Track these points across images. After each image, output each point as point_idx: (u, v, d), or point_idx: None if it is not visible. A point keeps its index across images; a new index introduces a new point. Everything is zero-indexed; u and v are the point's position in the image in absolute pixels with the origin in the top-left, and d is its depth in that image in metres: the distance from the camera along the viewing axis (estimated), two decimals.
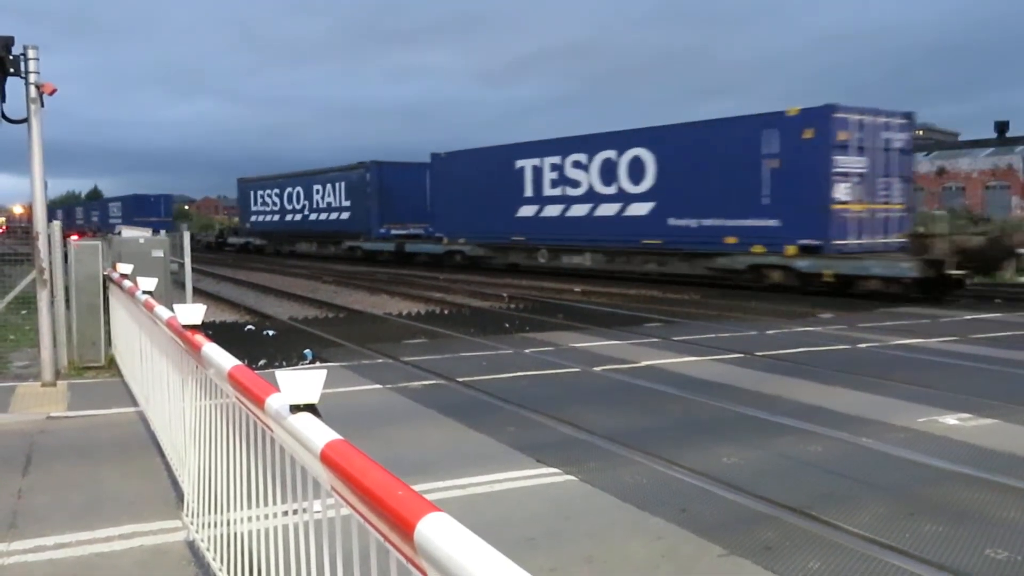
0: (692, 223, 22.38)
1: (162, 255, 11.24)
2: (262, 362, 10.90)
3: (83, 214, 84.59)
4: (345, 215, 39.14)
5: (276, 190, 46.13)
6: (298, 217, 43.99)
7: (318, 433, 2.36)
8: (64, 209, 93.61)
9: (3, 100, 9.44)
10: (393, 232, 35.99)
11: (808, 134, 19.60)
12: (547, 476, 6.12)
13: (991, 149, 46.54)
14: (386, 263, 34.42)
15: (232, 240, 53.35)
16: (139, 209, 63.46)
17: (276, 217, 46.39)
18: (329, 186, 40.55)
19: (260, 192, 48.02)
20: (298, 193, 43.84)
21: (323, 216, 41.26)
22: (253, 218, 49.15)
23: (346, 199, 39.03)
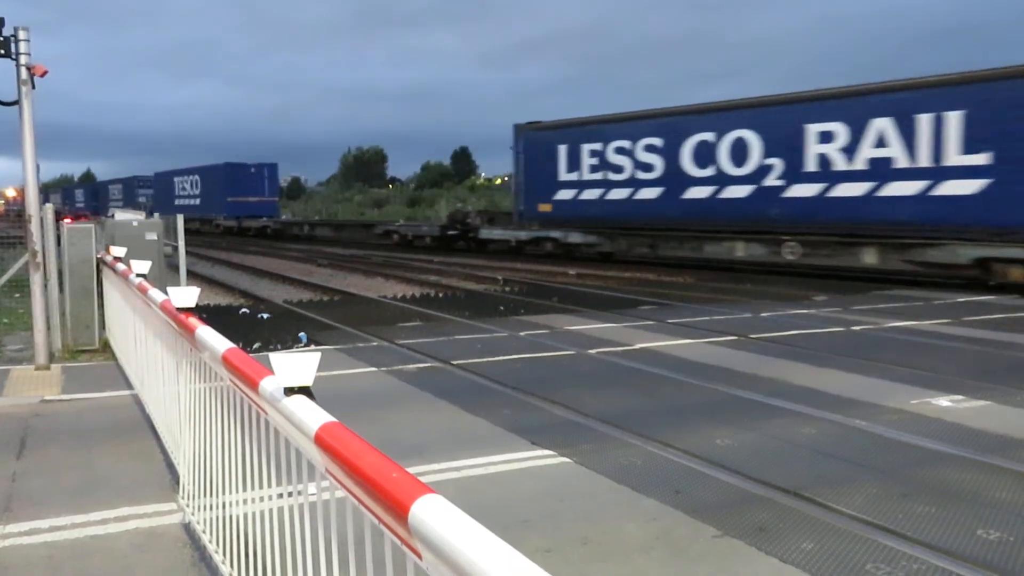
0: None
1: (156, 238, 11.21)
2: (257, 345, 10.89)
3: (122, 193, 63.27)
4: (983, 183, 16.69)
5: (653, 139, 23.08)
6: (741, 192, 20.87)
7: (312, 416, 2.36)
8: (86, 188, 77.19)
9: None
10: None
11: None
12: (542, 458, 6.13)
13: None
14: None
15: (492, 234, 29.90)
16: (231, 184, 45.85)
17: (648, 193, 23.27)
18: (925, 120, 17.40)
19: (589, 146, 25.05)
20: (738, 143, 20.81)
21: (871, 187, 18.37)
22: (562, 195, 25.99)
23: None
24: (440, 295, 17.26)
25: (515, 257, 27.24)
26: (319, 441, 2.24)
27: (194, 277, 18.73)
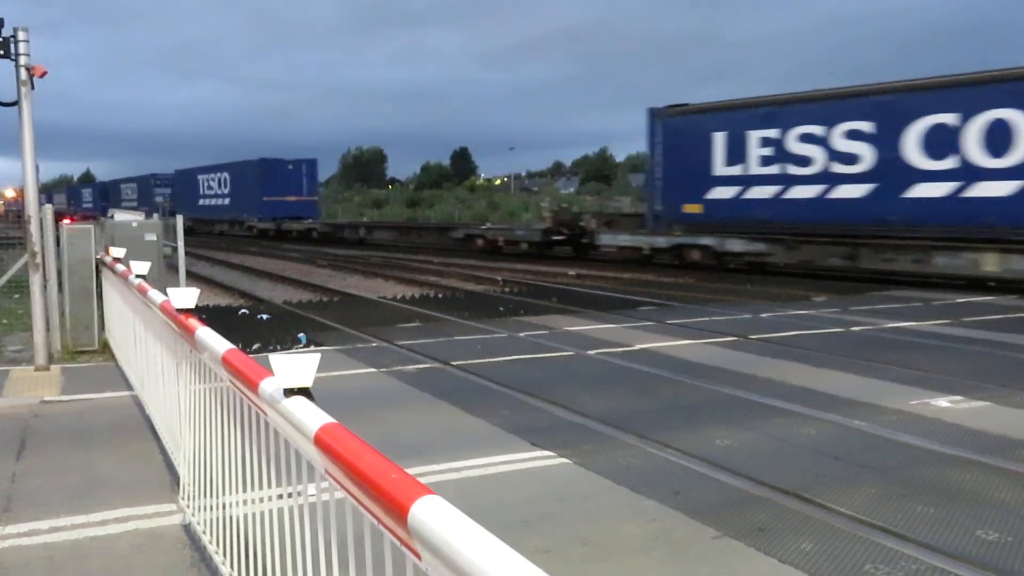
0: None
1: (155, 239, 11.21)
2: (256, 346, 10.89)
3: (137, 192, 58.57)
4: None
5: (859, 123, 18.31)
6: (1000, 190, 16.18)
7: (312, 417, 2.36)
8: (95, 188, 72.67)
9: None
10: None
11: None
12: (541, 459, 6.14)
13: None
14: None
15: (617, 240, 24.42)
16: (266, 182, 41.64)
17: (850, 191, 18.50)
18: None
19: (759, 133, 20.08)
20: (997, 127, 16.08)
21: None
22: (717, 193, 21.08)
23: None
24: (439, 296, 17.26)
25: (516, 258, 26.43)
26: (319, 442, 2.25)
27: (193, 278, 18.73)
